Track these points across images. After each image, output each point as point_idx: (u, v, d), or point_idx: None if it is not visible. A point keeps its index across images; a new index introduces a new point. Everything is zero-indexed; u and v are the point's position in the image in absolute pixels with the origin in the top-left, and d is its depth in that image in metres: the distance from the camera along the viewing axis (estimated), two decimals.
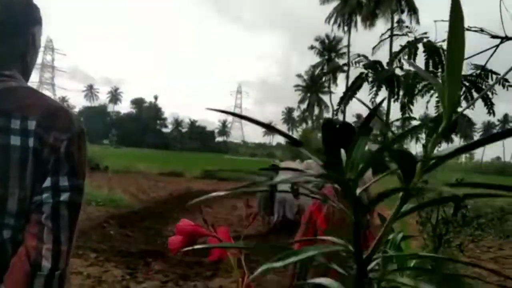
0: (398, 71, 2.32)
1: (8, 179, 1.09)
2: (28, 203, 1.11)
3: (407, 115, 2.29)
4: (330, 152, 1.98)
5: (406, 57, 2.31)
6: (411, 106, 2.25)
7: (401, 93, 2.36)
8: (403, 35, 2.31)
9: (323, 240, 0.64)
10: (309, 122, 72.90)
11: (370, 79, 2.27)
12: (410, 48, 2.29)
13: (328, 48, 54.00)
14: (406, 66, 2.31)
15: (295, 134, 59.09)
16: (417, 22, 36.54)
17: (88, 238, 7.25)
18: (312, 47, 53.42)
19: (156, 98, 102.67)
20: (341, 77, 47.98)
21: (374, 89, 2.25)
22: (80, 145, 1.18)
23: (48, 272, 1.09)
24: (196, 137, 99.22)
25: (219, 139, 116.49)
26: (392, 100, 2.39)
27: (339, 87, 62.87)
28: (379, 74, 2.23)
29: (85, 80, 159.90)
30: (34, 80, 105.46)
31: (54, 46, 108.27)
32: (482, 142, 0.49)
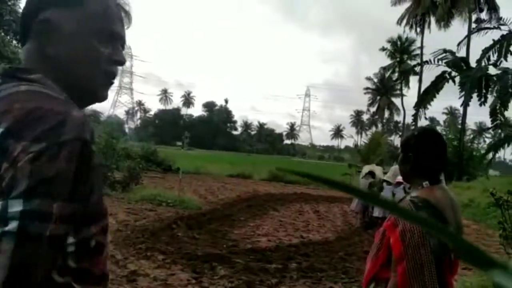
0: (491, 70, 2.03)
1: None
2: None
3: (498, 121, 2.00)
4: (424, 162, 1.68)
5: (496, 54, 2.03)
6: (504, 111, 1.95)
7: (489, 95, 2.07)
8: (493, 28, 2.03)
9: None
10: (379, 126, 70.83)
11: (458, 81, 2.00)
12: (502, 44, 2.00)
13: (401, 50, 52.17)
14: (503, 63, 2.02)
15: (364, 137, 57.71)
16: (498, 21, 33.87)
17: (157, 239, 7.38)
18: (383, 49, 51.77)
19: (226, 101, 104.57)
20: (413, 79, 46.05)
21: (464, 93, 1.97)
22: (70, 158, 0.82)
23: None
24: (265, 140, 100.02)
25: (287, 141, 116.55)
26: (478, 103, 2.12)
27: (412, 90, 60.54)
28: (470, 73, 1.95)
29: (159, 84, 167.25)
30: (114, 85, 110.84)
31: (133, 53, 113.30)
32: None
